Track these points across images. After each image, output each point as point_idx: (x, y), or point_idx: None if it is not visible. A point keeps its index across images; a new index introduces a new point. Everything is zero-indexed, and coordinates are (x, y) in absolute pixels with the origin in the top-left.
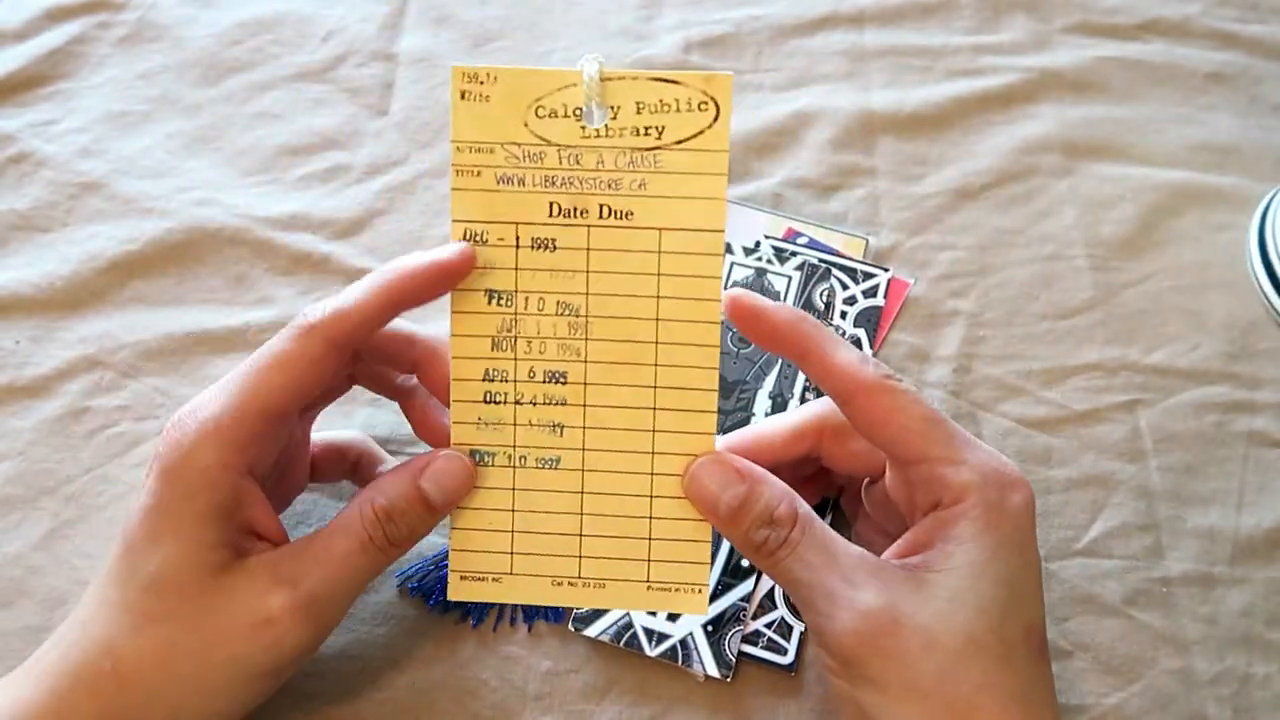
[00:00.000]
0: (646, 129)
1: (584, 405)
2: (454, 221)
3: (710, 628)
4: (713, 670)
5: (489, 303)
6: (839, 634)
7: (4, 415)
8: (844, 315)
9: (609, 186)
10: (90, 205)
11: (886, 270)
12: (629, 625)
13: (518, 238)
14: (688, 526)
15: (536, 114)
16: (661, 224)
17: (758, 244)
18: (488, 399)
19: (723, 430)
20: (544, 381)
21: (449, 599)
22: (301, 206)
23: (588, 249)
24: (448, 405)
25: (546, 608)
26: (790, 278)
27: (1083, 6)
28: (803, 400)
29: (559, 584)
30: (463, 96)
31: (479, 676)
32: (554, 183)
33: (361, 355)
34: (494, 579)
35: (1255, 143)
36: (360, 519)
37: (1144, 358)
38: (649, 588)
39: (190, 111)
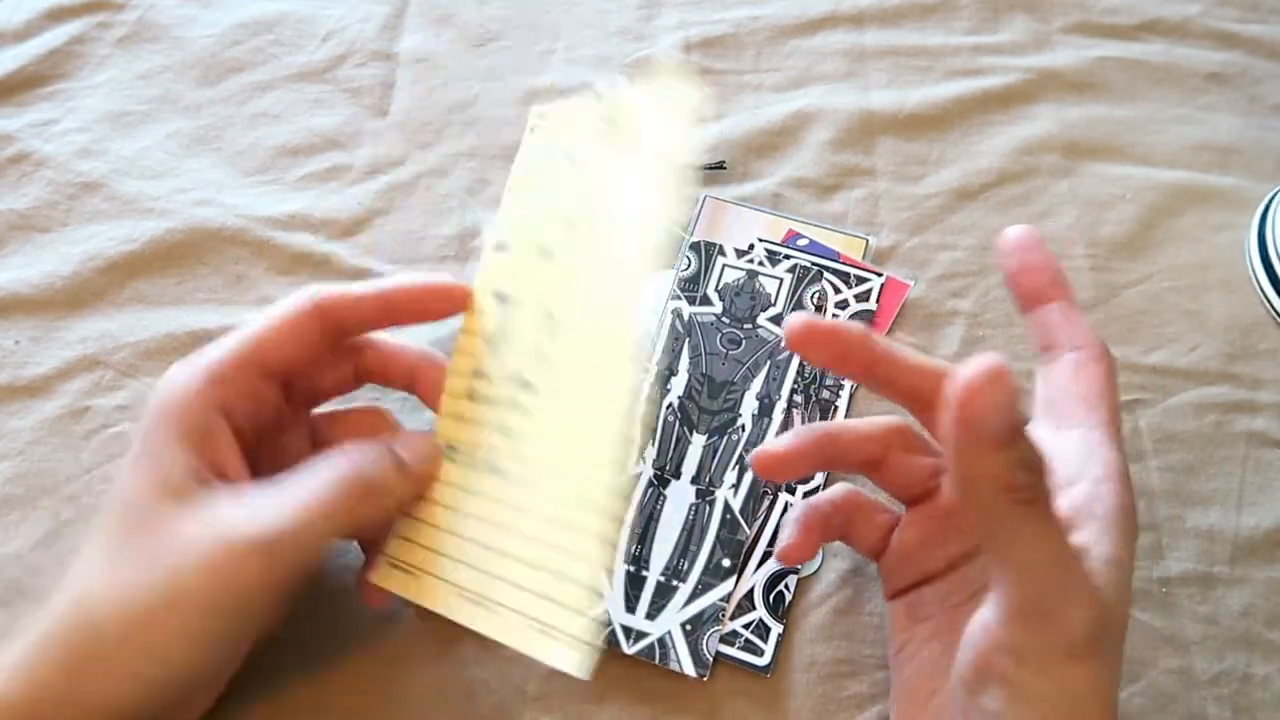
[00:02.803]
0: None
1: (536, 416)
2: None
3: (689, 627)
4: (690, 669)
5: (494, 303)
6: (1077, 623)
7: (4, 415)
8: (835, 319)
9: (604, 195)
10: (90, 205)
11: (880, 275)
12: (607, 622)
13: (531, 244)
14: (586, 569)
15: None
16: (631, 227)
17: (751, 246)
18: (470, 395)
19: (710, 431)
20: (516, 386)
21: (369, 578)
22: (301, 206)
23: (574, 263)
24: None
25: None
26: (782, 280)
27: (1082, 6)
28: (790, 402)
29: (462, 596)
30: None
31: (479, 677)
32: (570, 194)
33: (368, 371)
34: (413, 572)
35: (1255, 143)
36: (331, 467)
37: (1144, 358)
38: (536, 628)
39: (190, 111)
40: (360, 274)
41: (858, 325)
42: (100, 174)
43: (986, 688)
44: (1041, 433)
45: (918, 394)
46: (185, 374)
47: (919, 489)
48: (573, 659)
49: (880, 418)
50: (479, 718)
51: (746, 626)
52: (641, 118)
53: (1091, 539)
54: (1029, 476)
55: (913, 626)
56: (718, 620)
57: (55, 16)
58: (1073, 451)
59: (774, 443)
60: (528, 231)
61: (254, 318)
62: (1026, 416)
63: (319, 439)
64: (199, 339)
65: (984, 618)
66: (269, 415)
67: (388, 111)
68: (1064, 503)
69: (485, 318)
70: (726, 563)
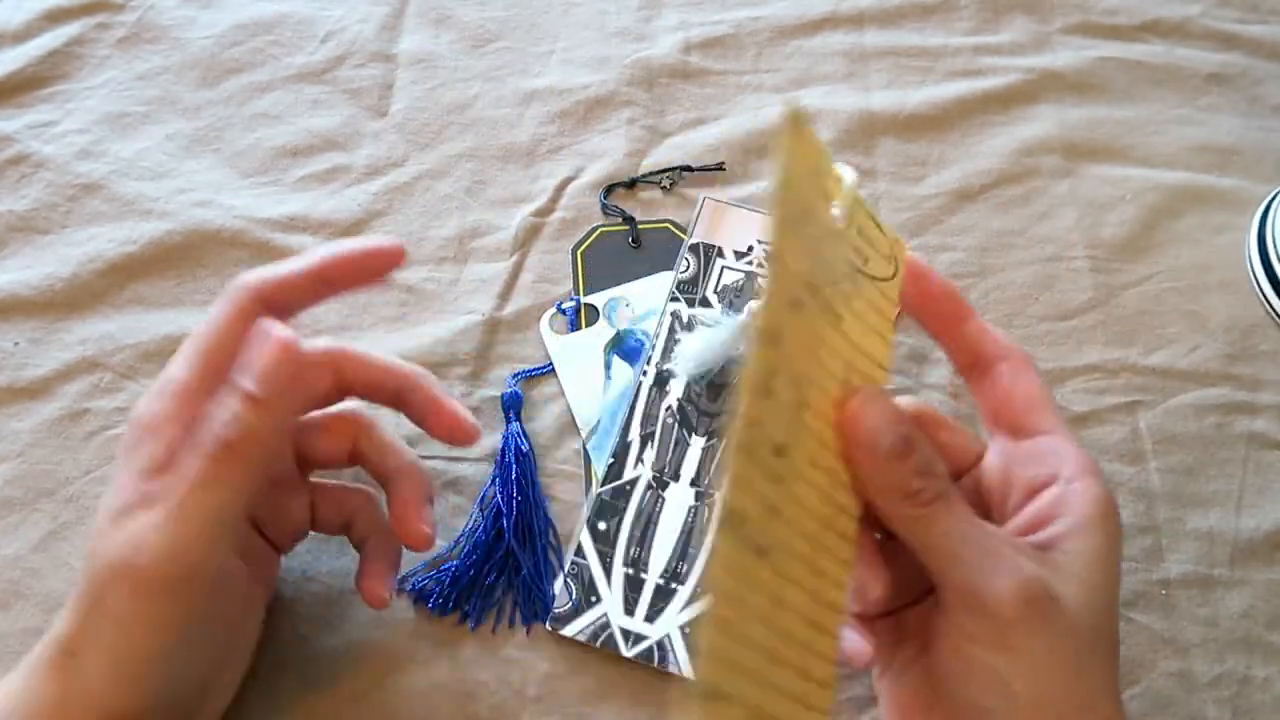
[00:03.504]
0: (859, 251)
1: (791, 493)
2: (780, 270)
3: (688, 629)
4: (689, 672)
5: (768, 345)
6: (1002, 592)
7: (3, 417)
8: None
9: (835, 283)
10: (89, 207)
11: None
12: (605, 625)
13: (788, 289)
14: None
15: (817, 185)
16: (854, 339)
17: (750, 248)
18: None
19: (709, 433)
20: (774, 454)
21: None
22: (301, 208)
23: (814, 332)
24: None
25: (544, 610)
26: None
27: (1083, 7)
28: None
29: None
30: (791, 135)
31: (478, 678)
32: (812, 255)
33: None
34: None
35: (1255, 144)
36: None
37: (1144, 359)
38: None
39: (190, 112)
40: None
41: (948, 281)
42: (100, 175)
43: (963, 680)
44: (1001, 445)
45: (981, 359)
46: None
47: (960, 462)
48: None
49: None
50: (479, 718)
51: None
52: (863, 229)
53: (1063, 532)
54: (927, 480)
55: (896, 648)
56: None
57: (55, 18)
58: (1039, 457)
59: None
60: (788, 269)
61: (198, 323)
62: (912, 431)
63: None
64: None
65: (936, 618)
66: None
67: (387, 112)
68: (1037, 506)
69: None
70: None
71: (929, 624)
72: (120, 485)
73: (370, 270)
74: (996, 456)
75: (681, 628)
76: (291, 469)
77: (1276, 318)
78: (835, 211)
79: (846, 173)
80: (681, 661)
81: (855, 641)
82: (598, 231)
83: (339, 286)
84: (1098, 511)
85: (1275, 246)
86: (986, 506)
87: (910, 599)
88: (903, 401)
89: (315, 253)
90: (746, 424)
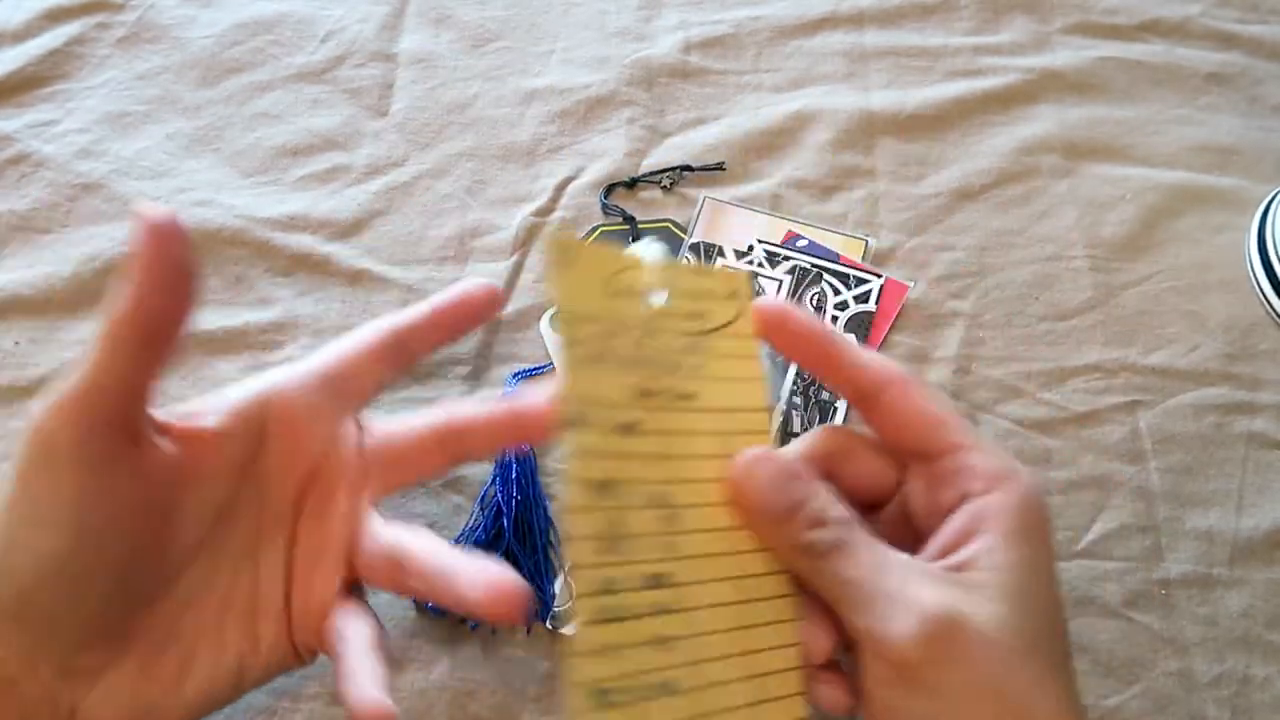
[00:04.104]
0: (694, 314)
1: (686, 610)
2: (568, 398)
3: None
4: None
5: (597, 496)
6: (901, 637)
7: (4, 416)
8: (835, 320)
9: (674, 368)
10: (90, 206)
11: (879, 276)
12: None
13: (613, 421)
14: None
15: (612, 292)
16: (720, 405)
17: (750, 248)
18: (609, 617)
19: None
20: (645, 588)
21: None
22: (301, 207)
23: (664, 433)
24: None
25: (544, 609)
26: (781, 281)
27: (1082, 7)
28: (789, 404)
29: None
30: (559, 265)
31: (478, 678)
32: (632, 362)
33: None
34: None
35: (1255, 144)
36: None
37: (1143, 359)
38: None
39: (190, 112)
40: (360, 275)
41: (813, 316)
42: (100, 175)
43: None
44: (917, 469)
45: (867, 389)
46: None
47: (883, 488)
48: None
49: (798, 443)
50: (479, 718)
51: None
52: (691, 289)
53: (979, 548)
54: (820, 531)
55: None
56: None
57: (55, 17)
58: (945, 477)
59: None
60: (604, 406)
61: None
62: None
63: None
64: (199, 340)
65: (857, 666)
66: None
67: (387, 112)
68: (953, 527)
69: (591, 516)
70: None
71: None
72: None
73: (466, 317)
74: (918, 478)
75: None
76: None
77: (1276, 317)
78: (652, 298)
79: (647, 251)
80: None
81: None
82: (598, 231)
83: (454, 332)
84: (1015, 519)
85: (1275, 246)
86: (917, 530)
87: None
88: (807, 439)
89: (428, 301)
90: (601, 582)
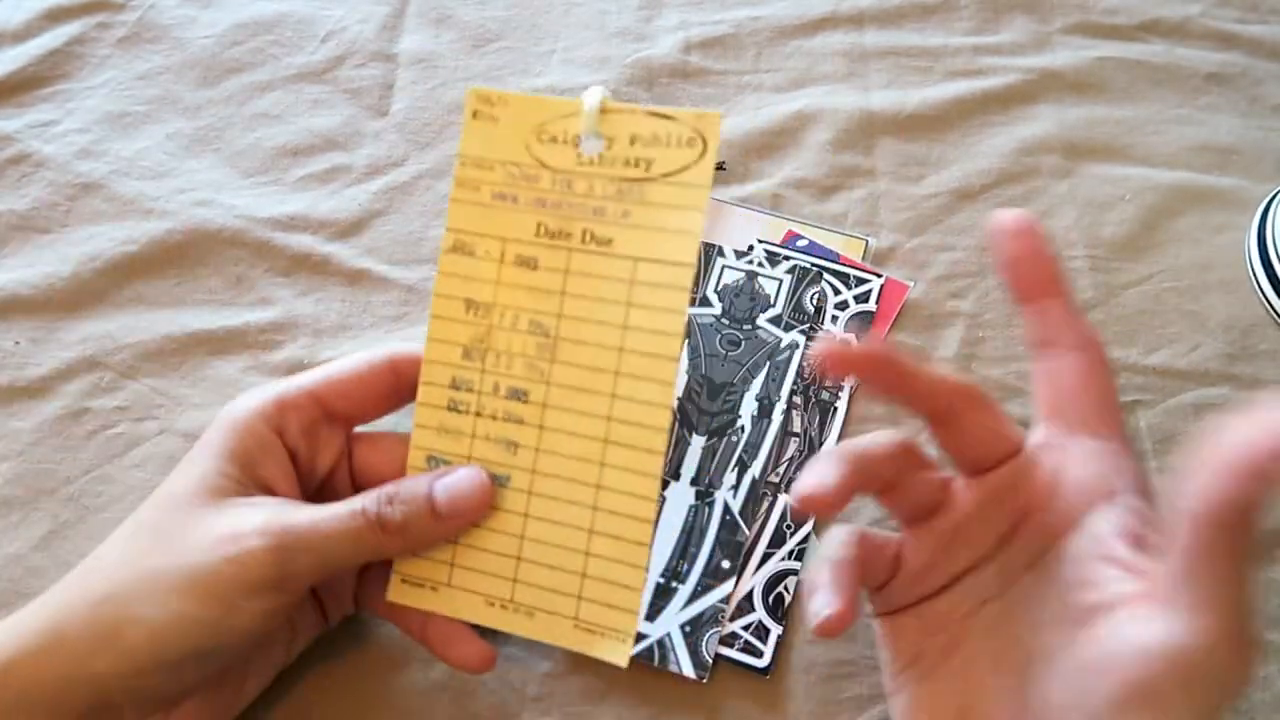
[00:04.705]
0: (637, 161)
1: (540, 427)
2: (447, 230)
3: (688, 628)
4: (689, 671)
5: (466, 312)
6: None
7: (3, 416)
8: (835, 320)
9: (594, 213)
10: (90, 206)
11: (879, 276)
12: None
13: (503, 253)
14: (623, 570)
15: (539, 138)
16: (637, 254)
17: (750, 247)
18: (451, 406)
19: (710, 432)
20: (506, 397)
21: (387, 599)
22: (301, 207)
23: (566, 271)
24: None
25: None
26: (781, 281)
27: (1083, 7)
28: (789, 404)
29: (491, 604)
30: (475, 116)
31: (478, 678)
32: (544, 204)
33: None
34: (432, 587)
35: (1255, 143)
36: (365, 495)
37: (1144, 358)
38: (575, 625)
39: (190, 112)
40: (360, 275)
41: (879, 342)
42: (100, 175)
43: (1140, 709)
44: (1055, 438)
45: (936, 408)
46: (251, 395)
47: (927, 506)
48: (618, 651)
49: (883, 434)
50: (479, 718)
51: (746, 628)
52: (641, 135)
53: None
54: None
55: (924, 640)
56: (717, 622)
57: (55, 17)
58: (1102, 465)
59: (818, 478)
60: (498, 240)
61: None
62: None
63: (354, 464)
64: (199, 340)
65: (1142, 643)
66: (330, 458)
67: (388, 112)
68: (1130, 522)
69: (458, 327)
70: (726, 564)
71: (967, 624)
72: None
73: None
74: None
75: (682, 627)
76: (337, 453)
77: (1276, 317)
78: (587, 144)
79: (587, 96)
80: (683, 660)
81: (833, 608)
82: None
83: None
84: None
85: (1275, 246)
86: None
87: (929, 592)
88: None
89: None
90: (450, 379)
